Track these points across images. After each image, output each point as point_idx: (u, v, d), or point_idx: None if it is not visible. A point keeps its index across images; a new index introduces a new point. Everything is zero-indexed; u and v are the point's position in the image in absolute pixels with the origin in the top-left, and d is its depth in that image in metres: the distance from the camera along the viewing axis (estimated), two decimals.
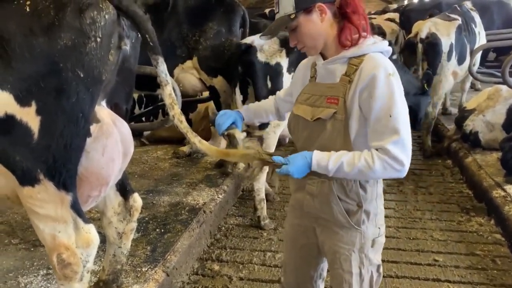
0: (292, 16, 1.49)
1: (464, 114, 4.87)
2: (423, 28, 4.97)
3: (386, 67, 1.43)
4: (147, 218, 3.27)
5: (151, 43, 1.76)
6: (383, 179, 1.61)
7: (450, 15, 5.29)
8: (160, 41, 3.85)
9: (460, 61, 5.12)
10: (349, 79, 1.47)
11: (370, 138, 1.47)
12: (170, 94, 1.75)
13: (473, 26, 5.43)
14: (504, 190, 3.62)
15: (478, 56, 5.52)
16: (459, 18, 5.18)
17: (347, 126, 1.48)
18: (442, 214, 3.74)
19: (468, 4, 5.85)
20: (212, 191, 3.79)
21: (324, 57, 1.58)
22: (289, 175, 1.50)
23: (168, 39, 3.77)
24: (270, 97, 1.94)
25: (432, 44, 4.87)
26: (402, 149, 1.40)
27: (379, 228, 1.63)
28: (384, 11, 12.83)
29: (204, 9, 3.82)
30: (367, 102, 1.43)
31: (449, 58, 4.93)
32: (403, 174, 1.45)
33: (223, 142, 4.75)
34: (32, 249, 2.81)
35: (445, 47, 4.90)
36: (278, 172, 1.50)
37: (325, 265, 1.84)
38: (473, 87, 8.21)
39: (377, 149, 1.42)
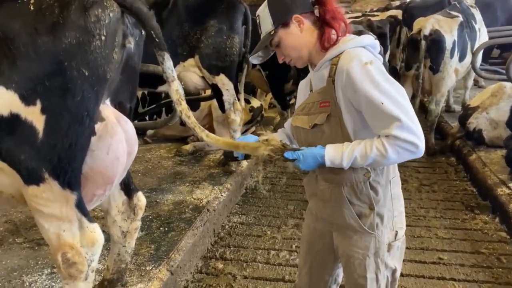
0: (272, 33, 1.53)
1: (467, 111, 4.84)
2: (427, 25, 4.93)
3: (360, 58, 1.41)
4: (150, 217, 3.27)
5: (156, 40, 1.75)
6: None
7: (451, 12, 5.25)
8: None
9: (461, 58, 5.09)
10: (332, 79, 1.48)
11: (375, 129, 1.44)
12: (177, 90, 1.75)
13: (474, 23, 5.40)
14: (509, 188, 3.60)
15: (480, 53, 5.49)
16: (460, 15, 5.14)
17: (343, 125, 1.49)
18: (446, 212, 3.73)
19: (468, 1, 5.81)
20: (216, 190, 3.78)
21: (313, 66, 1.61)
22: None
23: (169, 37, 3.75)
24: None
25: (435, 41, 4.84)
26: (409, 131, 1.36)
27: (396, 231, 1.58)
28: (386, 8, 12.75)
29: (205, 6, 3.80)
30: (354, 97, 1.43)
31: (451, 55, 4.91)
32: (420, 153, 1.40)
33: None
34: (36, 248, 2.81)
35: (448, 44, 4.88)
36: (289, 166, 1.51)
37: (340, 271, 1.82)
38: (476, 84, 8.19)
39: (386, 136, 1.39)
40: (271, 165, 1.63)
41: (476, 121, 4.62)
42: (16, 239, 2.93)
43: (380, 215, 1.54)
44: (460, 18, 5.08)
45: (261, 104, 5.58)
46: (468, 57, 5.21)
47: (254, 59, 1.68)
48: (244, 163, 4.43)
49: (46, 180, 1.62)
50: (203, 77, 3.96)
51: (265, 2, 1.55)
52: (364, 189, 1.53)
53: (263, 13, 1.55)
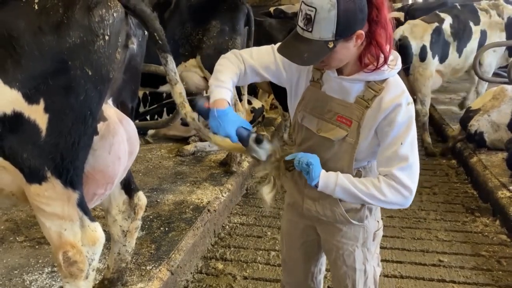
0: (331, 46, 1.33)
1: (469, 114, 4.85)
2: (397, 30, 5.21)
3: (407, 96, 1.43)
4: (151, 217, 3.27)
5: (160, 41, 1.76)
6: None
7: (439, 14, 5.38)
8: None
9: (443, 59, 5.30)
10: (367, 105, 1.44)
11: (378, 163, 1.50)
12: (180, 93, 1.75)
13: (472, 24, 5.44)
14: (510, 191, 3.60)
15: (489, 56, 5.53)
16: (445, 18, 5.30)
17: (355, 150, 1.48)
18: (447, 214, 3.73)
19: (482, 3, 5.85)
20: (216, 190, 3.78)
21: (339, 71, 1.48)
22: None
23: (171, 37, 3.75)
24: (231, 56, 1.63)
25: (402, 47, 5.09)
26: (409, 175, 1.42)
27: (378, 221, 1.66)
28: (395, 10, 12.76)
29: (207, 7, 3.81)
30: (385, 129, 1.43)
31: (422, 59, 5.14)
32: (408, 203, 1.45)
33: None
34: (37, 246, 2.82)
35: (415, 49, 5.11)
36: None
37: (323, 259, 1.86)
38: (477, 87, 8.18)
39: (385, 175, 1.44)
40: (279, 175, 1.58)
41: (477, 124, 4.62)
42: (17, 238, 2.93)
43: (369, 208, 1.60)
44: (436, 24, 5.21)
45: (262, 105, 5.59)
46: (453, 57, 5.34)
47: (298, 60, 1.41)
48: (245, 164, 4.43)
49: (49, 178, 1.63)
50: (204, 78, 3.97)
51: (335, 4, 1.27)
52: None
53: (326, 15, 1.28)
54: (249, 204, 4.04)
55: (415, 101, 5.30)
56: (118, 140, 1.78)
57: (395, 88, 1.43)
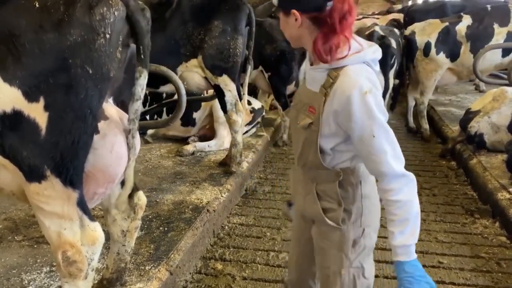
0: (273, 9, 1.55)
1: (469, 115, 4.85)
2: (410, 27, 6.04)
3: (361, 85, 1.37)
4: (150, 217, 3.26)
5: (142, 56, 1.78)
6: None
7: (462, 15, 5.76)
8: (164, 39, 3.84)
9: (453, 58, 5.67)
10: (326, 92, 1.45)
11: (366, 165, 1.50)
12: (136, 110, 1.80)
13: (496, 26, 5.55)
14: (510, 193, 3.60)
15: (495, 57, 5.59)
16: (453, 21, 5.66)
17: (317, 138, 1.49)
18: (447, 216, 3.72)
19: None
20: (216, 190, 3.78)
21: (311, 60, 1.58)
22: None
23: (172, 37, 3.76)
24: None
25: (408, 41, 5.88)
26: (395, 161, 1.41)
27: (363, 229, 1.59)
28: (388, 12, 12.79)
29: (209, 7, 3.81)
30: (347, 123, 1.42)
31: (425, 54, 5.69)
32: (412, 177, 1.44)
33: (227, 139, 4.75)
34: (35, 246, 2.80)
35: (420, 44, 5.71)
36: None
37: None
38: (477, 88, 8.20)
39: (384, 185, 1.44)
40: None
41: (477, 125, 4.63)
42: (16, 237, 2.92)
43: (347, 211, 1.56)
44: (447, 23, 5.60)
45: (262, 106, 5.59)
46: (466, 57, 5.60)
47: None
48: (245, 164, 4.43)
49: (48, 177, 1.62)
50: (205, 78, 3.97)
51: None
52: (333, 187, 1.55)
53: None
54: (248, 204, 4.04)
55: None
56: (119, 140, 1.77)
57: (349, 78, 1.40)
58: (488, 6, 5.78)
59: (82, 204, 1.73)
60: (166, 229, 3.07)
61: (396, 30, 6.25)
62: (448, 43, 5.59)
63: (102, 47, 1.57)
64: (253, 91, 6.62)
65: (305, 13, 1.42)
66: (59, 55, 1.51)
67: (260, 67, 5.55)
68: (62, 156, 1.61)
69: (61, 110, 1.56)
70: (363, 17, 11.88)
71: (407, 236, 1.42)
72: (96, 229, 1.80)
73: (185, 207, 3.44)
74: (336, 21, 1.38)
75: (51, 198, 1.67)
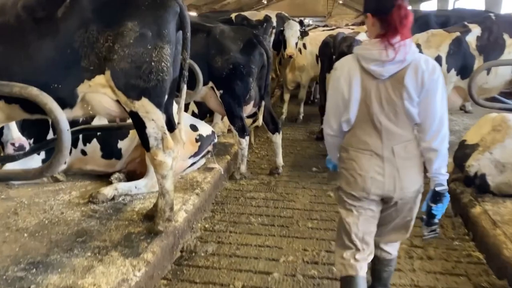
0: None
1: (464, 150, 3.89)
2: (413, 38, 4.52)
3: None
4: None
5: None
6: None
7: (468, 24, 4.75)
8: (55, 47, 2.66)
9: (463, 75, 4.64)
10: None
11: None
12: None
13: (507, 37, 4.63)
14: None
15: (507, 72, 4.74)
16: (460, 31, 4.56)
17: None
18: None
19: None
20: (127, 266, 2.59)
21: None
22: None
23: (68, 44, 2.60)
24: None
25: None
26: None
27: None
28: (363, 23, 12.11)
29: (121, 2, 2.69)
30: None
31: None
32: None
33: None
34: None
35: None
36: None
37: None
38: (462, 108, 7.41)
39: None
40: None
41: (477, 164, 3.66)
42: None
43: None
44: (457, 33, 4.43)
45: (212, 131, 4.46)
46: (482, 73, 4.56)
47: None
48: (181, 215, 3.29)
49: None
50: (117, 101, 2.81)
51: None
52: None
53: None
54: (181, 277, 2.89)
55: None
56: None
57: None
58: (491, 14, 4.95)
59: None
60: None
61: None
62: (460, 57, 4.64)
63: None
64: (209, 110, 5.54)
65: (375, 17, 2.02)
66: None
67: (211, 83, 4.46)
68: None
69: None
70: (337, 27, 11.23)
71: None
72: None
73: None
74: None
75: None
